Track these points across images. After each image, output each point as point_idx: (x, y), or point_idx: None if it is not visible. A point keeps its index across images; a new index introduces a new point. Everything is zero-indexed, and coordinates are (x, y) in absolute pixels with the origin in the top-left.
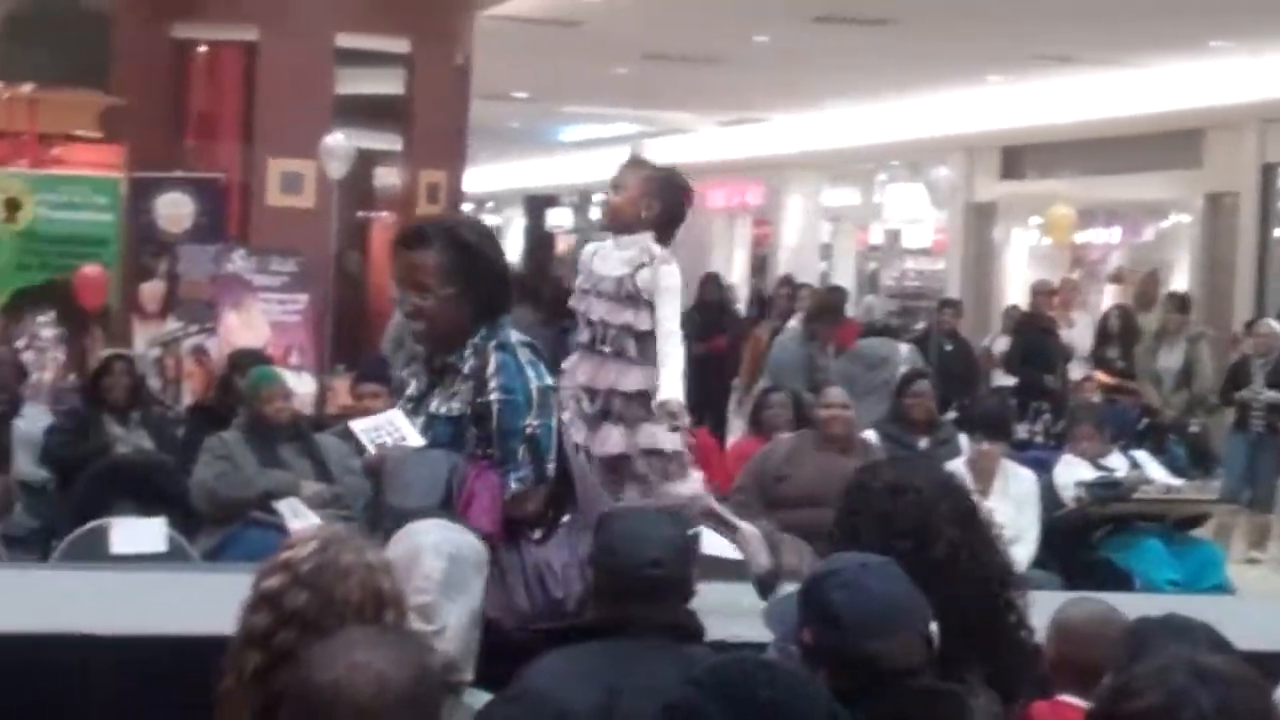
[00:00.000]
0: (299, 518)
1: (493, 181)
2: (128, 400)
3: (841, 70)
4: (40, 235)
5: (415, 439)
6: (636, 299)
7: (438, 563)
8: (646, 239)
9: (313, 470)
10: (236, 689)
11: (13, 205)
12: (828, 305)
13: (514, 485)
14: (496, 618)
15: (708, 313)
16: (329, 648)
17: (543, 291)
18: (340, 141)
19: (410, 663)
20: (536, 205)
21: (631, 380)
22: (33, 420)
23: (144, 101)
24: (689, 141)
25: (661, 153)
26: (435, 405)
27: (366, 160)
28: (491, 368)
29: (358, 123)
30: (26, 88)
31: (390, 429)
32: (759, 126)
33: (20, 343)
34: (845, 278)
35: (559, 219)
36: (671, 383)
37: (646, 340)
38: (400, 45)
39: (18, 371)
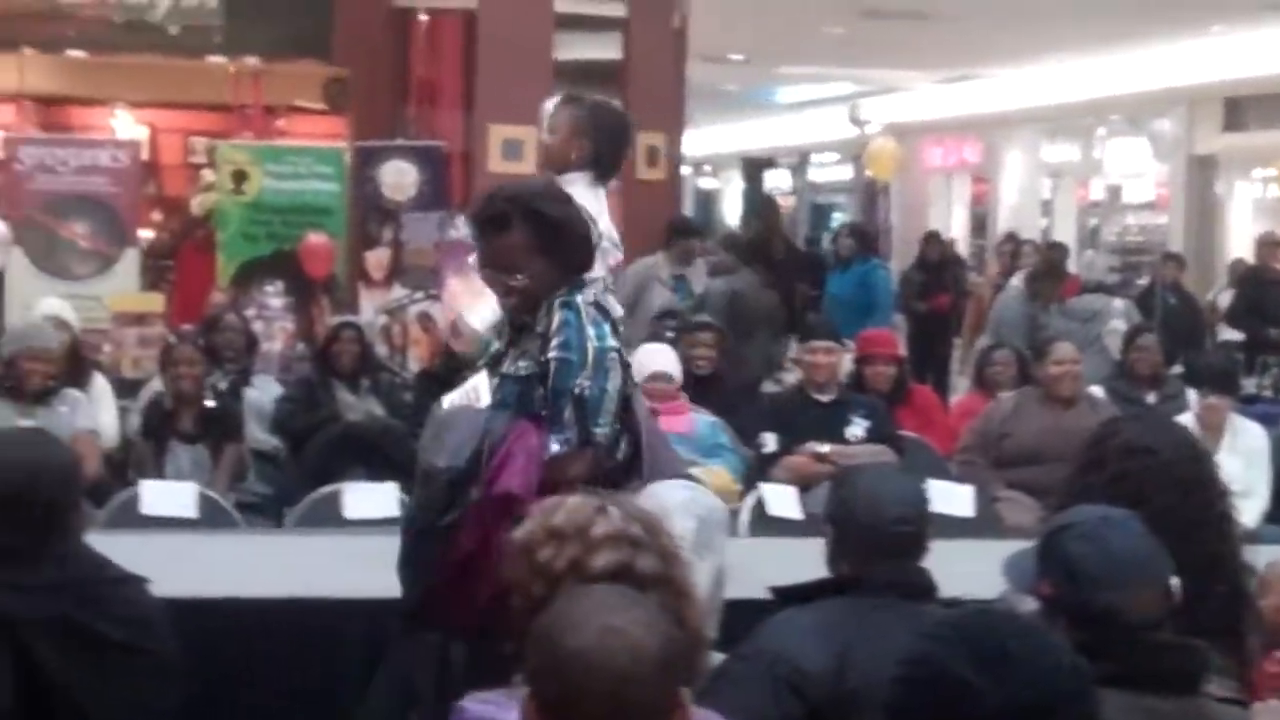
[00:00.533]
0: None
1: (709, 144)
2: (356, 367)
3: (1060, 23)
4: (267, 206)
5: (486, 401)
6: None
7: (689, 522)
8: (575, 181)
9: None
10: None
11: (240, 177)
12: (1053, 266)
13: (555, 446)
14: None
15: (929, 271)
16: (576, 611)
17: (773, 251)
18: None
19: (659, 626)
20: (754, 167)
21: None
22: (263, 389)
23: (366, 72)
24: (906, 100)
25: (878, 112)
26: (508, 365)
27: None
28: (554, 325)
29: (576, 87)
30: (251, 61)
31: (473, 394)
32: (976, 83)
33: (249, 313)
34: (1066, 234)
35: (776, 181)
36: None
37: None
38: (618, 9)
39: (249, 341)
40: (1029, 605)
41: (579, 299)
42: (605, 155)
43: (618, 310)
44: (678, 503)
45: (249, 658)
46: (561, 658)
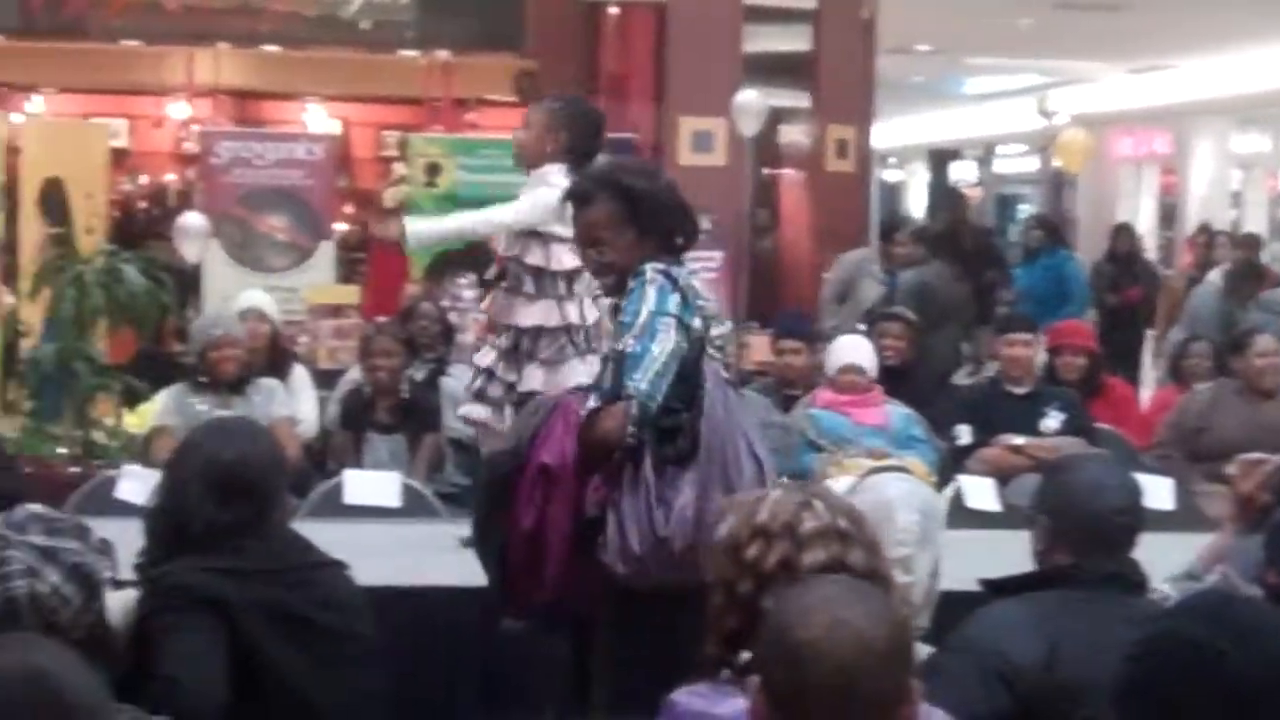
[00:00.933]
0: None
1: (896, 136)
2: None
3: (1250, 11)
4: (459, 198)
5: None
6: (529, 234)
7: (912, 516)
8: (553, 171)
9: None
10: None
11: (433, 170)
12: (1254, 267)
13: (590, 403)
14: (610, 563)
15: (1120, 264)
16: (805, 602)
17: (963, 243)
18: (752, 99)
19: (886, 618)
20: (940, 159)
21: (526, 315)
22: (461, 379)
23: (556, 64)
24: (1094, 91)
25: (1066, 103)
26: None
27: (773, 117)
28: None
29: (765, 80)
30: (442, 54)
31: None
32: (1166, 73)
33: (443, 304)
34: (1256, 225)
35: (963, 172)
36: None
37: (544, 276)
38: (808, 1)
39: (445, 330)
40: (1253, 593)
41: (649, 267)
42: (579, 147)
43: (687, 279)
44: (899, 495)
45: (455, 644)
46: (790, 648)
